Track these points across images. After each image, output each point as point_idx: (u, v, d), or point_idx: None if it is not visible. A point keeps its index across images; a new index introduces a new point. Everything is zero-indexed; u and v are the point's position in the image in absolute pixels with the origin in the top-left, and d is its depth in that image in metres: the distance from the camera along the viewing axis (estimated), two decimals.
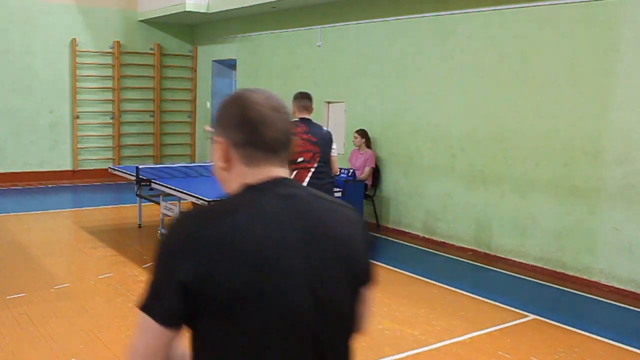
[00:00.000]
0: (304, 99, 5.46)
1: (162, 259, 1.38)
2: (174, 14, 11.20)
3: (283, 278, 1.32)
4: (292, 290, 1.33)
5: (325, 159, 5.33)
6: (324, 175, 5.30)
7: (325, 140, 5.36)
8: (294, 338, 1.35)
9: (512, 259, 6.92)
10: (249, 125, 1.41)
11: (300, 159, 5.19)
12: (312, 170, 5.20)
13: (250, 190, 1.41)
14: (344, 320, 1.45)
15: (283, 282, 1.32)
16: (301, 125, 5.29)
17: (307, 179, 5.19)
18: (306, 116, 5.41)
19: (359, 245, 1.48)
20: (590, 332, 4.94)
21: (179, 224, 1.42)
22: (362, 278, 1.49)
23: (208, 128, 9.57)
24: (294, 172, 5.20)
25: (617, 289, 5.99)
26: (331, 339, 1.40)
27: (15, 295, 5.37)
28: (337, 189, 7.07)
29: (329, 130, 5.46)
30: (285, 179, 1.45)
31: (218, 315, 1.31)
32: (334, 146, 5.46)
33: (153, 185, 7.11)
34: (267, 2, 9.44)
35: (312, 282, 1.35)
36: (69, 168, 11.97)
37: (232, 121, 1.43)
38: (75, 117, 11.86)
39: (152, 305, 1.36)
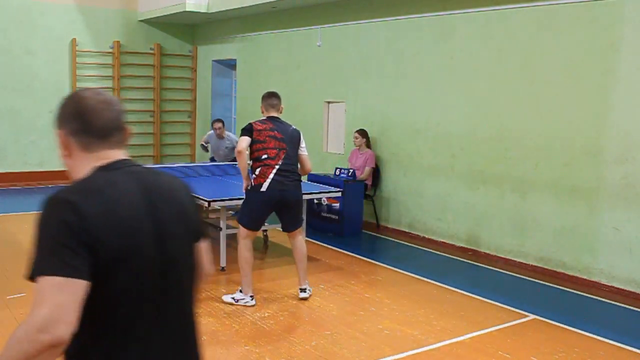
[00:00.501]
0: (271, 97, 5.47)
1: (52, 223, 1.54)
2: (174, 14, 11.21)
3: (144, 239, 1.61)
4: (148, 248, 1.61)
5: (292, 157, 5.26)
6: (289, 173, 5.20)
7: (292, 138, 5.30)
8: (148, 288, 1.62)
9: (512, 259, 6.93)
10: (80, 116, 1.68)
11: (264, 156, 5.13)
12: (277, 167, 5.12)
13: (103, 170, 1.67)
14: (187, 271, 1.78)
15: (144, 242, 1.60)
16: (268, 123, 5.29)
17: (271, 176, 5.10)
18: (274, 114, 5.40)
19: (191, 207, 1.81)
20: (590, 332, 4.94)
21: (57, 197, 1.63)
22: (197, 234, 1.82)
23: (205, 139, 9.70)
24: (258, 169, 5.15)
25: (617, 289, 5.99)
26: (178, 286, 1.73)
27: (15, 295, 5.37)
28: (338, 189, 7.07)
29: (297, 128, 5.42)
30: (126, 159, 1.72)
31: (97, 279, 1.49)
32: (302, 144, 5.40)
33: None
34: (267, 2, 9.44)
35: (161, 239, 1.65)
36: None
37: (67, 115, 1.70)
38: None
39: (54, 264, 1.44)
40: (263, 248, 7.45)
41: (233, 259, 6.79)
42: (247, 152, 5.21)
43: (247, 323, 4.91)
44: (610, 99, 5.99)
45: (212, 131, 9.43)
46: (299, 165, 5.40)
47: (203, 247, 1.89)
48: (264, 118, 5.43)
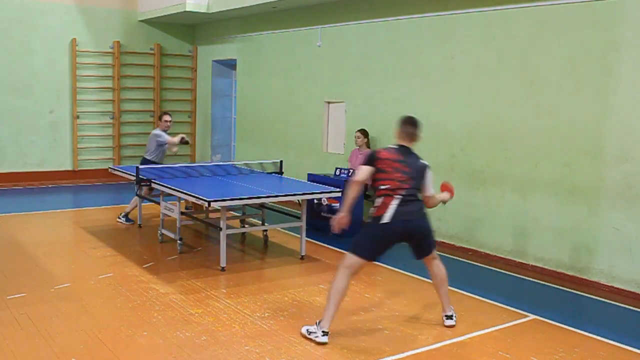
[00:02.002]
0: (409, 125, 4.90)
1: None
2: (174, 14, 11.21)
3: None
4: None
5: (417, 188, 4.79)
6: (413, 203, 4.74)
7: (418, 173, 4.80)
8: None
9: (512, 259, 6.93)
10: None
11: (386, 186, 4.67)
12: (399, 197, 4.64)
13: None
14: None
15: None
16: (395, 153, 4.79)
17: (393, 206, 4.63)
18: (406, 144, 4.86)
19: None
20: (590, 332, 4.94)
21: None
22: None
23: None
24: (380, 199, 4.69)
25: (617, 289, 5.99)
26: None
27: (15, 295, 5.37)
28: (337, 189, 7.07)
29: (426, 163, 4.89)
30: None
31: None
32: (427, 180, 4.88)
33: (153, 185, 7.11)
34: (267, 2, 9.44)
35: None
36: (69, 168, 11.97)
37: None
38: (75, 117, 11.86)
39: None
40: (263, 248, 7.45)
41: (233, 258, 6.80)
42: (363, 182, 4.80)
43: (247, 323, 4.91)
44: (610, 99, 5.99)
45: (158, 130, 8.60)
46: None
47: None
48: (394, 146, 4.90)
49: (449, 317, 4.98)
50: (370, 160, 4.77)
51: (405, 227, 4.71)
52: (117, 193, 11.04)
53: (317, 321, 4.68)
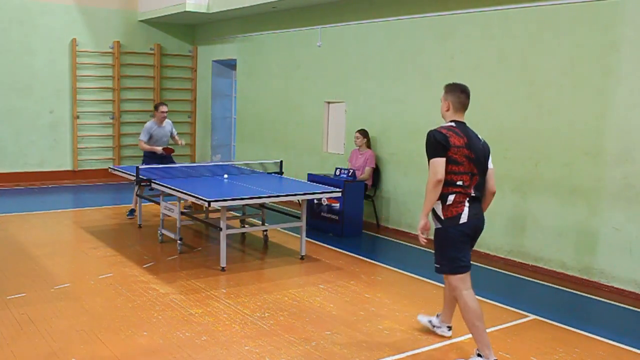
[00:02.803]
0: (463, 92, 4.33)
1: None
2: (174, 14, 11.21)
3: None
4: None
5: (482, 180, 4.27)
6: (479, 199, 4.27)
7: (484, 157, 4.29)
8: None
9: (512, 259, 6.93)
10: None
11: (459, 182, 4.10)
12: (472, 194, 4.16)
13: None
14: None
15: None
16: (462, 135, 4.12)
17: (467, 204, 4.13)
18: (463, 119, 4.28)
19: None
20: (590, 332, 4.94)
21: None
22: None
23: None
24: (452, 196, 4.11)
25: (617, 289, 5.99)
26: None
27: (15, 295, 5.37)
28: (338, 189, 7.07)
29: (487, 142, 4.38)
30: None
31: None
32: (490, 162, 4.37)
33: (153, 185, 7.12)
34: (267, 2, 9.44)
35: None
36: (69, 168, 11.97)
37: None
38: (75, 117, 11.87)
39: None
40: (263, 248, 7.45)
41: (233, 258, 6.80)
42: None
43: (247, 323, 4.91)
44: (610, 99, 5.99)
45: (150, 123, 8.75)
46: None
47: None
48: (453, 125, 4.19)
49: (450, 328, 4.74)
50: (444, 148, 4.01)
51: (477, 226, 4.18)
52: (117, 193, 11.04)
53: (476, 352, 4.18)
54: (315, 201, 8.26)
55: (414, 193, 8.09)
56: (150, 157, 8.70)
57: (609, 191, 6.02)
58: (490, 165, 4.31)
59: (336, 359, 4.31)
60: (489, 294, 5.82)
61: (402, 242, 7.90)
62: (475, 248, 7.25)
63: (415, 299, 5.65)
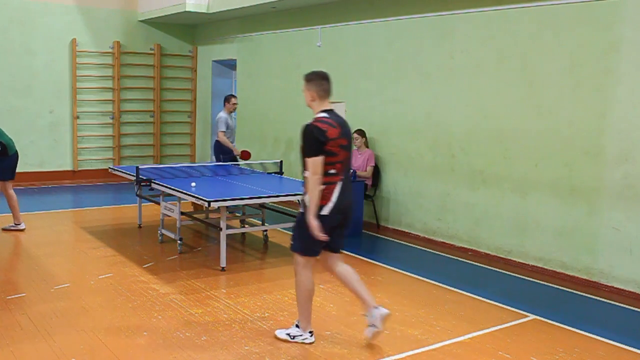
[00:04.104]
0: (325, 79, 4.36)
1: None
2: (174, 14, 11.21)
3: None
4: None
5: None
6: (349, 181, 4.42)
7: (351, 141, 4.46)
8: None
9: (512, 259, 6.93)
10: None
11: (332, 171, 4.24)
12: (342, 178, 4.28)
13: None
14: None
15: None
16: (337, 125, 4.25)
17: (338, 191, 4.27)
18: (330, 106, 4.37)
19: None
20: (590, 332, 4.94)
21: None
22: None
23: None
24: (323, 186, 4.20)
25: (617, 289, 5.99)
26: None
27: (15, 295, 5.38)
28: None
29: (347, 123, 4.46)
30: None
31: None
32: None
33: (153, 186, 7.12)
34: (267, 2, 9.44)
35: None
36: (69, 168, 11.97)
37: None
38: (75, 117, 11.86)
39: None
40: (263, 248, 7.45)
41: (233, 258, 6.80)
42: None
43: (247, 323, 4.91)
44: (610, 99, 5.99)
45: (223, 113, 9.11)
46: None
47: None
48: (326, 115, 4.26)
49: (312, 333, 4.62)
50: (321, 144, 4.12)
51: (345, 214, 4.35)
52: (117, 193, 11.04)
53: (295, 323, 4.58)
54: None
55: (414, 193, 8.10)
56: (225, 153, 9.13)
57: (609, 191, 6.02)
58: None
59: (336, 359, 4.31)
60: (489, 294, 5.82)
61: (402, 242, 7.90)
62: (475, 248, 7.31)
63: (415, 299, 5.65)
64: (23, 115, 11.40)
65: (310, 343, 4.53)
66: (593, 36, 6.10)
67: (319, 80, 4.32)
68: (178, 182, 7.02)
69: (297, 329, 4.55)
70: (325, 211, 4.22)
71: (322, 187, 4.18)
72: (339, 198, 4.24)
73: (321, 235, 4.23)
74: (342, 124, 4.30)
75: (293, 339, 4.53)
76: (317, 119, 4.24)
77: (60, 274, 6.08)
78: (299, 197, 6.72)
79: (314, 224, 4.19)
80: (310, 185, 4.18)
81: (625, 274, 5.95)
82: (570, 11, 6.28)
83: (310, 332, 4.55)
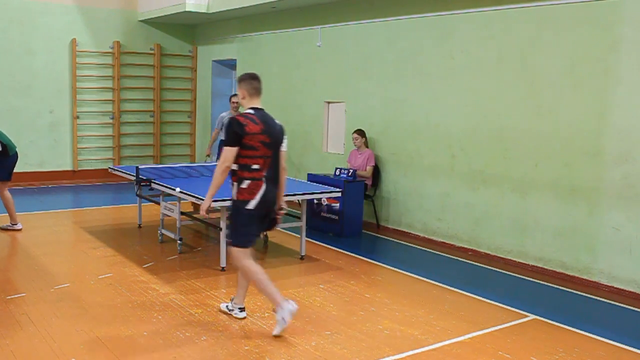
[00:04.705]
0: (255, 79, 4.66)
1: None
2: (174, 14, 11.21)
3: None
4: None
5: (276, 160, 4.70)
6: (274, 178, 4.69)
7: (278, 139, 4.70)
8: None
9: (512, 259, 6.93)
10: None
11: (255, 167, 4.53)
12: (265, 175, 4.60)
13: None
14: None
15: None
16: (259, 122, 4.52)
17: (263, 188, 4.56)
18: (259, 105, 4.66)
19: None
20: (590, 333, 4.94)
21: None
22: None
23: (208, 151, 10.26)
24: (247, 181, 4.52)
25: (617, 289, 5.99)
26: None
27: (15, 295, 5.37)
28: (338, 189, 7.07)
29: (280, 124, 4.77)
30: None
31: None
32: (285, 144, 4.81)
33: (153, 186, 7.11)
34: (267, 2, 9.44)
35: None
36: (69, 168, 11.97)
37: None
38: (75, 117, 11.87)
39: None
40: (263, 248, 7.45)
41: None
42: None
43: (247, 323, 4.91)
44: (610, 99, 5.99)
45: (224, 112, 9.88)
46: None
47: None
48: (252, 112, 4.56)
49: (242, 310, 4.99)
50: (238, 137, 4.42)
51: (268, 208, 4.67)
52: (117, 193, 11.04)
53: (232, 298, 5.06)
54: (315, 201, 8.26)
55: (414, 193, 8.10)
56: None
57: (609, 191, 6.02)
58: (284, 147, 4.76)
59: (336, 359, 4.31)
60: (489, 294, 5.83)
61: (402, 242, 7.90)
62: (475, 248, 7.31)
63: (415, 299, 5.65)
64: (23, 115, 11.40)
65: (242, 318, 4.93)
66: (593, 36, 6.10)
67: (249, 80, 4.63)
68: (178, 182, 7.01)
69: (229, 303, 5.03)
70: (251, 205, 4.53)
71: (249, 182, 4.51)
72: (264, 194, 4.55)
73: (204, 214, 4.75)
74: (267, 123, 4.57)
75: (230, 311, 5.00)
76: (241, 114, 4.60)
77: (60, 274, 6.08)
78: (298, 197, 6.72)
79: (207, 203, 4.70)
80: (216, 170, 4.54)
81: (625, 274, 5.95)
82: (570, 11, 6.28)
83: (240, 308, 4.96)
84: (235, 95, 9.60)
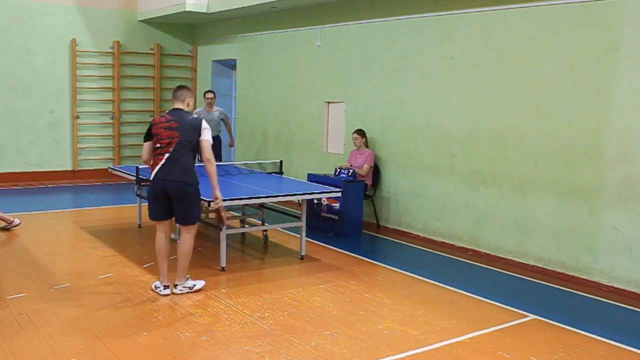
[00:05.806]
0: (178, 89, 5.62)
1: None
2: (174, 14, 11.21)
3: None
4: None
5: (186, 145, 5.37)
6: (180, 161, 5.35)
7: (189, 126, 5.39)
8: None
9: (512, 259, 6.93)
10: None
11: (157, 146, 5.36)
12: (167, 155, 5.31)
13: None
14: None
15: None
16: (166, 115, 5.48)
17: (160, 164, 5.32)
18: (179, 107, 5.54)
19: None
20: (590, 332, 4.94)
21: None
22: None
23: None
24: (153, 158, 5.40)
25: (617, 289, 5.99)
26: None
27: (15, 295, 5.37)
28: (338, 189, 7.07)
29: (198, 116, 5.54)
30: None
31: None
32: (205, 132, 5.48)
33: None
34: (267, 2, 9.44)
35: None
36: (69, 168, 11.97)
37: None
38: (75, 117, 11.87)
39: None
40: (263, 248, 7.45)
41: (233, 258, 6.80)
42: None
43: (247, 323, 4.91)
44: (610, 99, 5.99)
45: (201, 108, 10.28)
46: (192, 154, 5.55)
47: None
48: (168, 111, 5.63)
49: (166, 287, 5.55)
50: (149, 132, 5.48)
51: (165, 185, 5.33)
52: (117, 193, 11.04)
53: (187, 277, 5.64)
54: (315, 201, 8.26)
55: (414, 193, 8.10)
56: (215, 150, 9.90)
57: (609, 191, 6.02)
58: (203, 137, 5.47)
59: (336, 359, 4.31)
60: (489, 294, 5.83)
61: (402, 242, 7.90)
62: (475, 248, 7.32)
63: (415, 299, 5.65)
64: (23, 115, 11.40)
65: (165, 295, 5.46)
66: (593, 36, 6.10)
67: (174, 91, 5.63)
68: None
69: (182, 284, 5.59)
70: (151, 177, 5.42)
71: (153, 158, 5.45)
72: (160, 169, 5.33)
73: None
74: (177, 115, 5.44)
75: (192, 288, 5.60)
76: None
77: (60, 274, 6.08)
78: (298, 197, 6.73)
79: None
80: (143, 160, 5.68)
81: (625, 274, 5.95)
82: (570, 11, 6.28)
83: (165, 285, 5.55)
84: (209, 91, 10.27)
